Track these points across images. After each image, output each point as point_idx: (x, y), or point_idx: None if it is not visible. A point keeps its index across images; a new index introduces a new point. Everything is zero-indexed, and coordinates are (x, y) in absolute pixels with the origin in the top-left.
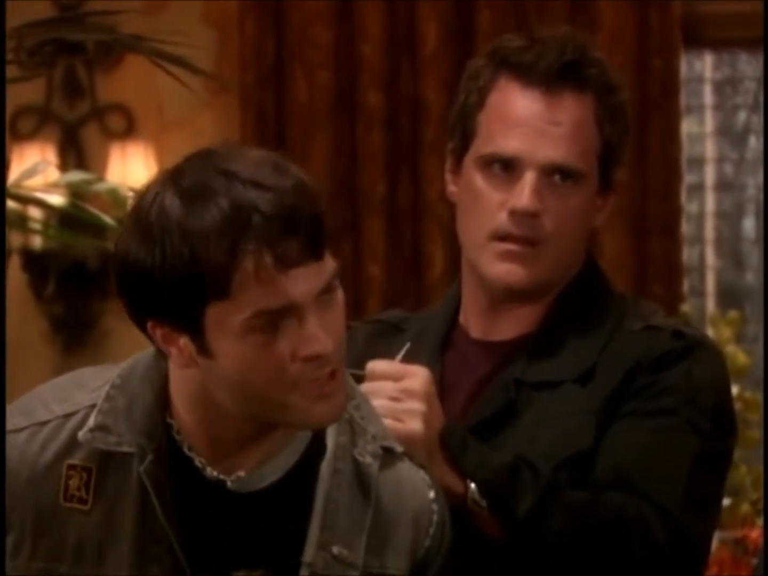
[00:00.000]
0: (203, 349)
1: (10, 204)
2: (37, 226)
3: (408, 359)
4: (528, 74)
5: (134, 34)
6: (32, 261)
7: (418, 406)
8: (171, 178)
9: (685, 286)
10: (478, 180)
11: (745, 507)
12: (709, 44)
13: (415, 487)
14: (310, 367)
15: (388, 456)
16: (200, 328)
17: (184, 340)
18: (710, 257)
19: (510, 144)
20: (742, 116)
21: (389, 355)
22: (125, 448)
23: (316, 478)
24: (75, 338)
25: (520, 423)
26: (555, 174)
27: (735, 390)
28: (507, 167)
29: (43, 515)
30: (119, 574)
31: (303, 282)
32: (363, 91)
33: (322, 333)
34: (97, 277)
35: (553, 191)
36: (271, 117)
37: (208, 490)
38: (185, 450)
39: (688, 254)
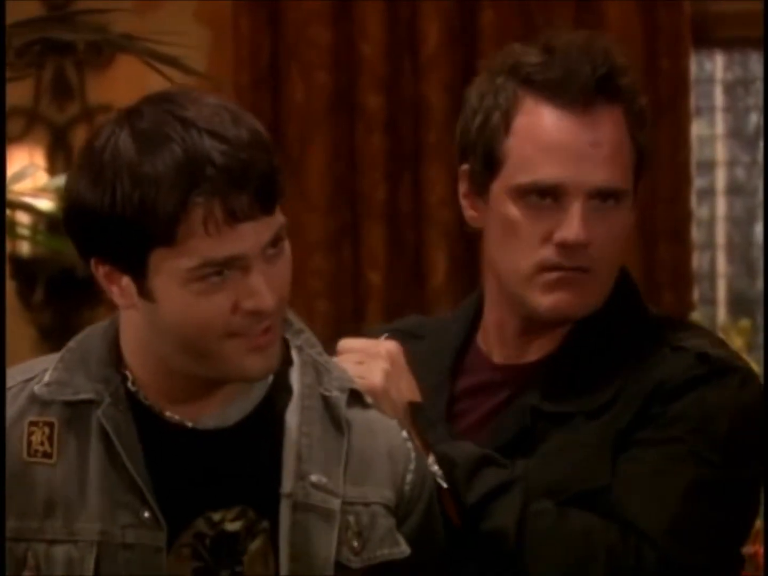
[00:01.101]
0: (144, 291)
1: None
2: (25, 231)
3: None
4: (559, 94)
5: (125, 34)
6: (20, 268)
7: (380, 364)
8: (127, 118)
9: (695, 293)
10: (514, 211)
11: (758, 523)
12: (720, 44)
13: (386, 426)
14: (249, 321)
15: (355, 396)
16: (144, 271)
17: (126, 280)
18: (721, 264)
19: (551, 172)
20: (753, 118)
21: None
22: (82, 396)
23: (283, 417)
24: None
25: (535, 454)
26: (598, 197)
27: None
28: (546, 195)
29: (9, 474)
30: (91, 526)
31: (251, 235)
32: (362, 92)
33: (265, 288)
34: (86, 285)
35: (597, 216)
36: (267, 119)
37: (172, 433)
38: (142, 399)
39: (698, 261)
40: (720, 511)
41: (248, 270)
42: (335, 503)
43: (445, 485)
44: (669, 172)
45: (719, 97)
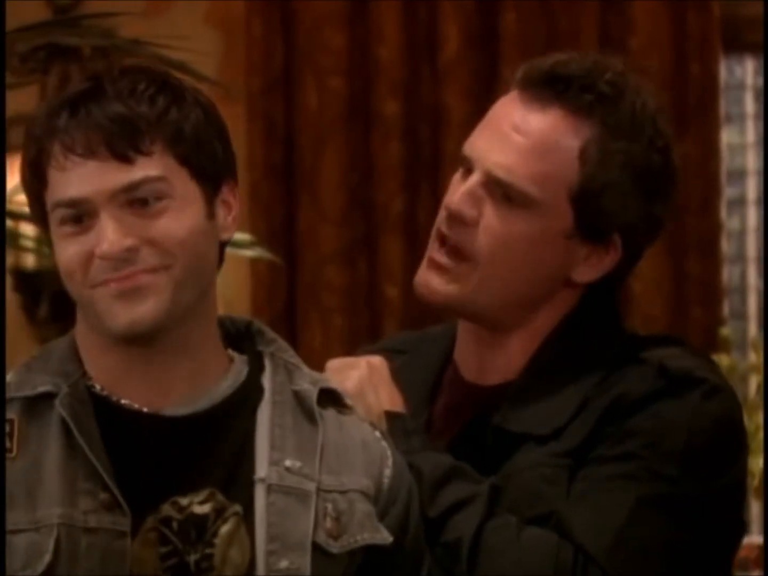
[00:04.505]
0: (50, 244)
1: None
2: (29, 243)
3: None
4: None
5: (134, 38)
6: (24, 281)
7: (356, 372)
8: None
9: (726, 307)
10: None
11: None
12: (751, 48)
13: (357, 423)
14: (107, 267)
15: (328, 397)
16: (46, 219)
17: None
18: (752, 277)
19: None
20: None
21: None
22: (41, 389)
23: (255, 412)
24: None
25: (493, 475)
26: None
27: None
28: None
29: None
30: (51, 511)
31: (95, 176)
32: (379, 98)
33: (112, 231)
34: None
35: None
36: (280, 127)
37: (132, 421)
38: (98, 390)
39: (728, 274)
40: (676, 527)
41: (97, 215)
42: (311, 485)
43: None
44: (698, 181)
45: (750, 104)
